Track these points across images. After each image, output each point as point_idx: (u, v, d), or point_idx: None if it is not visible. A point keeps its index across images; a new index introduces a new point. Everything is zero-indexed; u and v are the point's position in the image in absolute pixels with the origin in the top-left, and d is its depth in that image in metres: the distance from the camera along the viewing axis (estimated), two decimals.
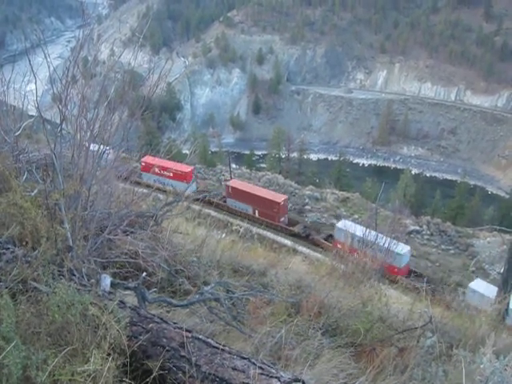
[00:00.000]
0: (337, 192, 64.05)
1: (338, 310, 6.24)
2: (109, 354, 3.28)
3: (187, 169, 55.21)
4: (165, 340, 3.61)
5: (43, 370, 3.07)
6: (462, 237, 54.78)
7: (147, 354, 3.57)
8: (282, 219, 51.83)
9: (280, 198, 52.59)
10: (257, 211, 53.32)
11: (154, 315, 3.92)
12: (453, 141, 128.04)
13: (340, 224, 44.84)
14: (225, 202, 55.20)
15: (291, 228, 52.03)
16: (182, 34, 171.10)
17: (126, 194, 6.38)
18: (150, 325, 3.74)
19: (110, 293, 4.33)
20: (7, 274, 3.81)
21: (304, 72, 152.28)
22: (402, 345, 5.97)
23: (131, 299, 4.58)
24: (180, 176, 53.48)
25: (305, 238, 51.36)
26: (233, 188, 54.95)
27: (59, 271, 4.12)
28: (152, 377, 3.42)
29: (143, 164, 58.81)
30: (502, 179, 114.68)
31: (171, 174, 54.41)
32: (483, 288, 38.05)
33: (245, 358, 3.48)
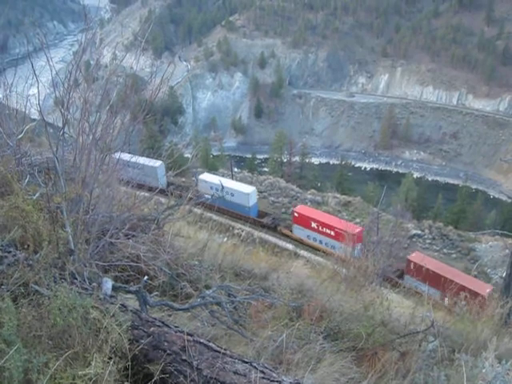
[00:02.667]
0: (338, 196, 64.13)
1: (340, 314, 6.23)
2: (110, 358, 3.28)
3: (355, 229, 41.95)
4: (166, 344, 3.61)
5: (44, 374, 3.07)
6: (464, 241, 54.78)
7: (148, 357, 3.57)
8: None
9: (484, 287, 39.51)
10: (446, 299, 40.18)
11: (155, 319, 3.92)
12: (454, 145, 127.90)
13: None
14: (399, 277, 42.58)
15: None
16: (184, 37, 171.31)
17: (128, 197, 6.39)
18: (152, 328, 3.73)
19: (111, 296, 4.33)
20: (9, 277, 3.81)
21: (306, 76, 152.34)
22: (404, 349, 5.96)
23: (133, 303, 4.57)
24: (345, 238, 42.67)
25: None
26: (416, 265, 42.69)
27: (61, 274, 4.12)
28: (153, 380, 3.41)
29: (296, 215, 52.35)
30: (503, 183, 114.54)
31: (333, 233, 46.38)
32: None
33: (246, 362, 3.47)
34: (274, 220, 54.99)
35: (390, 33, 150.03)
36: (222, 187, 52.87)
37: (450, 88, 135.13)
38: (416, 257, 44.96)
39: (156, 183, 55.82)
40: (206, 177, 56.93)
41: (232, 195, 52.18)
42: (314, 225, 49.98)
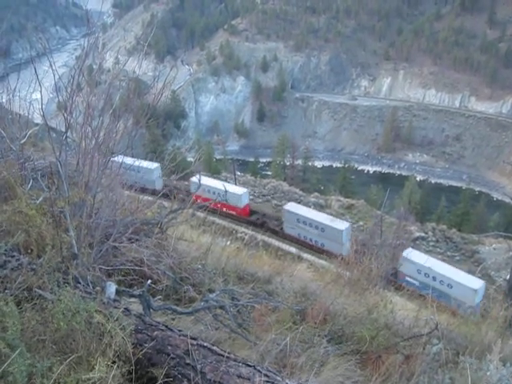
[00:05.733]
0: (342, 199, 63.98)
1: (344, 318, 6.21)
2: (114, 362, 3.27)
3: None
4: (170, 347, 3.60)
5: (48, 378, 3.07)
6: (468, 243, 54.56)
7: (152, 361, 3.56)
8: None
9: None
10: None
11: (158, 323, 3.91)
12: (457, 147, 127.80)
13: None
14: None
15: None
16: (186, 41, 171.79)
17: (131, 201, 6.39)
18: (155, 332, 3.73)
19: (115, 300, 4.32)
20: (12, 281, 3.81)
21: (308, 79, 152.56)
22: (408, 352, 5.93)
23: (136, 307, 4.57)
24: None
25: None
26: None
27: (64, 279, 4.12)
28: None
29: None
30: (507, 185, 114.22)
31: None
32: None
33: (250, 366, 3.46)
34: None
35: (392, 36, 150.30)
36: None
37: (452, 90, 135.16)
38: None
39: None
40: None
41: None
42: None
